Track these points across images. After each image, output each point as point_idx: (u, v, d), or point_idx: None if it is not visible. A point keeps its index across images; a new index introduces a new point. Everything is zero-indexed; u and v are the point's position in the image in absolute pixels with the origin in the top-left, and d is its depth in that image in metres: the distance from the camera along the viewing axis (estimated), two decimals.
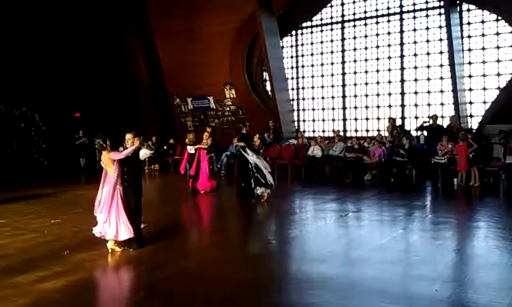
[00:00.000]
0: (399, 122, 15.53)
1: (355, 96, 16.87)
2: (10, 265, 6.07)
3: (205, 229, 8.23)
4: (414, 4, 15.59)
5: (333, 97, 17.34)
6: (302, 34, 17.93)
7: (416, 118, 15.71)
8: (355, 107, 16.91)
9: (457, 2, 14.61)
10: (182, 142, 18.50)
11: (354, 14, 16.67)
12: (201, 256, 6.43)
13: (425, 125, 14.15)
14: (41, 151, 19.37)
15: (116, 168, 6.55)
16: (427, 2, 15.35)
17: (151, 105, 19.62)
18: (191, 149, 12.22)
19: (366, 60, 16.54)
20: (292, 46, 18.12)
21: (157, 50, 19.25)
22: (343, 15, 16.88)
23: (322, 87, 17.55)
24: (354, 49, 16.76)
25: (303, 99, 18.14)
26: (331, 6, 17.01)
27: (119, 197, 6.55)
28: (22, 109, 19.12)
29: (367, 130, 16.64)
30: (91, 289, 5.23)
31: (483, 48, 14.52)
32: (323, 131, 17.49)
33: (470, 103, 14.82)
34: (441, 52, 15.18)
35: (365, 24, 16.52)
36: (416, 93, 15.74)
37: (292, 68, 18.15)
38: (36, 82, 19.30)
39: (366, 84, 16.61)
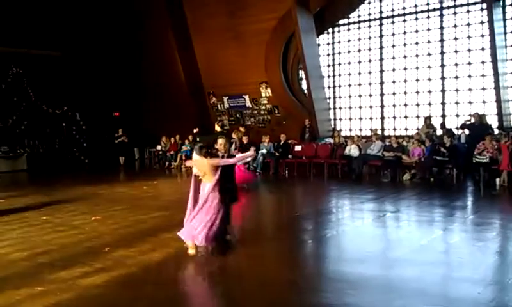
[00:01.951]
0: (438, 120, 15.20)
1: (394, 94, 16.60)
2: (53, 260, 6.25)
3: (240, 227, 8.24)
4: (454, 0, 15.21)
5: (370, 95, 17.11)
6: (339, 31, 17.76)
7: (457, 116, 15.33)
8: (393, 105, 16.63)
9: None
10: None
11: (392, 10, 16.40)
12: (238, 255, 6.44)
13: (467, 123, 13.79)
14: (82, 150, 19.87)
15: (216, 175, 6.35)
16: None
17: (187, 104, 19.83)
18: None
19: (405, 57, 16.25)
20: (328, 44, 17.98)
21: (194, 49, 19.44)
22: (381, 12, 16.62)
23: (360, 85, 17.34)
24: (393, 46, 16.49)
25: (340, 97, 17.97)
26: (369, 3, 16.79)
27: (214, 204, 6.32)
28: (63, 108, 19.67)
29: (406, 129, 16.34)
30: (132, 285, 5.32)
31: None
32: (360, 130, 17.29)
33: None
34: (482, 49, 14.76)
35: (404, 21, 16.22)
36: (457, 90, 15.36)
37: (328, 66, 18.01)
38: (77, 83, 19.85)
39: (405, 81, 16.30)
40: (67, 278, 5.52)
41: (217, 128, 15.32)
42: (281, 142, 16.20)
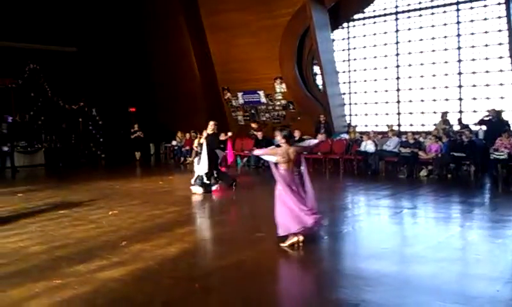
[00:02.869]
0: (455, 116, 15.03)
1: (410, 89, 16.44)
2: (70, 254, 6.32)
3: (254, 221, 8.26)
4: None
5: (386, 91, 16.97)
6: (354, 26, 17.64)
7: (475, 111, 15.14)
8: (410, 101, 16.49)
9: None
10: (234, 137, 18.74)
11: (408, 5, 16.23)
12: (253, 250, 6.45)
13: (485, 119, 13.62)
14: (98, 145, 20.04)
15: (303, 160, 6.56)
16: None
17: (202, 99, 19.88)
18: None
19: (421, 52, 16.08)
20: (343, 39, 17.86)
21: (208, 45, 19.47)
22: (397, 6, 16.46)
23: (375, 80, 17.21)
24: (409, 41, 16.32)
25: (355, 93, 17.86)
26: None
27: (292, 192, 6.45)
28: (80, 104, 19.84)
29: (423, 125, 16.19)
30: (148, 279, 5.36)
31: None
32: (376, 125, 17.16)
33: None
34: (500, 44, 14.55)
35: (420, 15, 16.05)
36: (474, 85, 15.17)
37: (343, 61, 17.90)
38: (93, 78, 20.01)
39: (421, 76, 16.15)
40: (84, 271, 5.59)
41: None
42: (296, 138, 16.14)
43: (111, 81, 20.53)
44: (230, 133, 12.69)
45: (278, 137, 6.70)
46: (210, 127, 11.63)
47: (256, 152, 6.89)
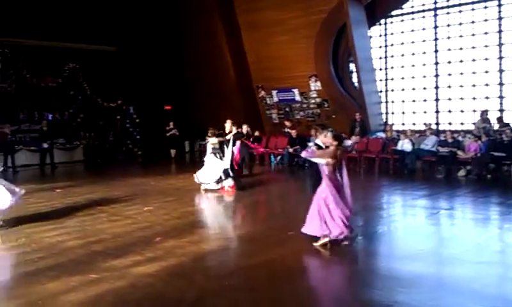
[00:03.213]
0: (495, 115, 14.57)
1: (449, 87, 16.04)
2: (106, 249, 6.45)
3: (285, 220, 8.22)
4: None
5: (424, 88, 16.61)
6: (391, 23, 17.33)
7: None
8: (449, 99, 16.08)
9: None
10: (268, 134, 18.72)
11: (447, 0, 15.82)
12: (284, 248, 6.42)
13: None
14: (135, 142, 20.37)
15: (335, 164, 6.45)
16: None
17: (237, 97, 19.94)
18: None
19: (461, 49, 15.65)
20: (380, 35, 17.58)
21: (243, 43, 19.50)
22: (436, 2, 16.08)
23: (413, 77, 16.86)
24: (448, 38, 15.92)
25: (392, 90, 17.54)
26: None
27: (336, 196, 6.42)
28: (117, 102, 20.22)
29: (462, 123, 15.78)
30: (181, 275, 5.41)
31: None
32: (413, 124, 16.82)
33: None
34: None
35: (460, 11, 15.62)
36: None
37: (380, 58, 17.62)
38: (130, 77, 20.36)
39: (461, 74, 15.73)
40: (120, 266, 5.69)
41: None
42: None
43: (148, 80, 20.84)
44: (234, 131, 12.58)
45: (322, 137, 6.58)
46: (230, 126, 11.99)
47: (304, 154, 6.75)
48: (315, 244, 6.29)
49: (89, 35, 19.22)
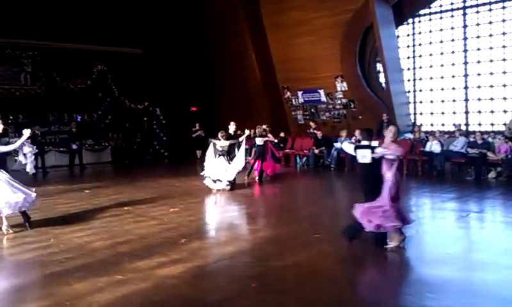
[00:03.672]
0: None
1: (479, 87, 15.68)
2: (132, 250, 6.51)
3: (312, 222, 8.15)
4: None
5: (453, 88, 16.28)
6: (419, 22, 17.04)
7: None
8: (478, 99, 15.73)
9: None
10: (294, 136, 18.67)
11: None
12: (311, 251, 6.36)
13: None
14: (161, 143, 20.56)
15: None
16: None
17: (262, 98, 19.92)
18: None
19: (491, 48, 15.28)
20: (408, 35, 17.31)
21: (269, 44, 19.48)
22: (465, 1, 15.73)
23: (442, 77, 16.56)
24: (478, 37, 15.57)
25: (420, 91, 17.25)
26: None
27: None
28: (144, 103, 20.44)
29: (492, 124, 15.41)
30: (206, 277, 5.42)
31: None
32: (442, 125, 16.51)
33: None
34: None
35: (490, 10, 15.25)
36: None
37: (408, 58, 17.35)
38: (157, 79, 20.57)
39: (491, 74, 15.36)
40: (145, 268, 5.73)
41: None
42: (357, 138, 15.83)
43: (174, 81, 21.02)
44: (247, 132, 12.69)
45: (389, 133, 6.50)
46: (234, 128, 12.48)
47: (381, 151, 6.61)
48: (387, 247, 6.22)
49: (117, 38, 19.48)
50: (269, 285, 5.16)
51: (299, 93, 19.10)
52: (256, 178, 13.19)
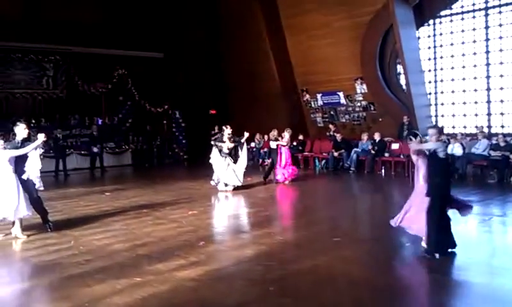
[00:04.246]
0: None
1: (501, 88, 15.41)
2: (151, 252, 6.54)
3: (331, 226, 8.10)
4: None
5: (475, 90, 16.02)
6: (440, 23, 16.83)
7: None
8: (501, 101, 15.46)
9: None
10: (313, 138, 18.62)
11: None
12: (329, 255, 6.31)
13: None
14: (181, 146, 20.69)
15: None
16: None
17: (281, 101, 19.89)
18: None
19: None
20: (429, 36, 17.10)
21: (287, 47, 19.45)
22: (487, 1, 15.48)
23: (464, 79, 16.32)
24: (500, 38, 15.30)
25: (442, 92, 17.03)
26: None
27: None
28: (164, 107, 20.60)
29: None
30: (224, 280, 5.41)
31: None
32: (464, 127, 16.26)
33: None
34: None
35: None
36: None
37: (429, 59, 17.14)
38: (177, 82, 20.73)
39: None
40: (164, 270, 5.75)
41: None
42: (377, 140, 15.71)
43: (193, 85, 21.14)
44: (246, 134, 12.85)
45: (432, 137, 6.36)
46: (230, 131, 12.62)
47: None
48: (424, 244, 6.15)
49: (137, 42, 19.69)
50: (287, 289, 5.13)
51: (318, 96, 19.02)
52: (275, 180, 13.28)
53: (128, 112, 20.26)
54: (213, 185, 12.23)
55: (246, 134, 12.60)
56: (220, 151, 12.12)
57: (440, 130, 6.42)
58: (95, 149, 17.75)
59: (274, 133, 13.87)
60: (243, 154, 12.30)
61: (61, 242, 7.17)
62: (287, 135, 13.58)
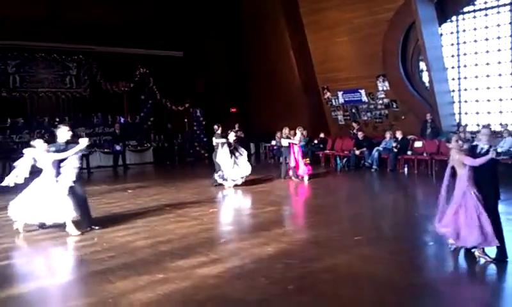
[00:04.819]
0: None
1: None
2: (173, 249, 6.60)
3: (352, 224, 8.04)
4: None
5: (500, 87, 15.74)
6: (463, 19, 16.57)
7: None
8: None
9: None
10: (334, 136, 18.52)
11: None
12: (350, 254, 6.27)
13: None
14: (202, 144, 20.79)
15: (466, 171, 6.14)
16: None
17: (301, 99, 19.83)
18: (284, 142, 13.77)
19: None
20: (452, 33, 16.85)
21: (308, 45, 19.37)
22: None
23: (488, 76, 16.03)
24: None
25: (465, 90, 16.76)
26: None
27: (471, 201, 6.04)
28: (185, 105, 20.72)
29: None
30: (244, 277, 5.42)
31: None
32: (488, 125, 15.97)
33: None
34: None
35: None
36: None
37: (452, 56, 16.88)
38: (197, 81, 20.83)
39: None
40: (185, 267, 5.80)
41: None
42: (399, 138, 15.53)
43: (214, 83, 21.22)
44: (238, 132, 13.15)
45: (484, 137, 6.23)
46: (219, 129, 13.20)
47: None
48: (477, 253, 5.92)
49: (158, 41, 19.83)
50: (307, 287, 5.11)
51: (339, 93, 18.91)
52: (293, 177, 13.43)
53: (150, 110, 20.44)
54: (217, 184, 12.24)
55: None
56: (228, 144, 12.34)
57: (492, 131, 6.14)
58: (118, 148, 17.95)
59: (285, 131, 13.86)
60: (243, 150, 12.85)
61: (85, 238, 7.28)
62: (298, 133, 13.55)
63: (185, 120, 20.97)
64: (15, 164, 7.65)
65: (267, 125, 20.94)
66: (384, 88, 17.38)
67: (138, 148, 19.53)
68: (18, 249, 7.08)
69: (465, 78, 16.66)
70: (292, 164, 13.36)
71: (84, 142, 7.59)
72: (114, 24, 18.94)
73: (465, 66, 16.62)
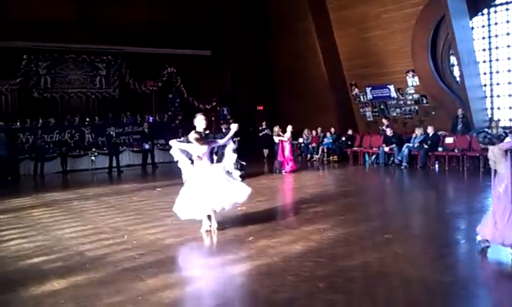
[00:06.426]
0: None
1: None
2: (202, 247, 6.63)
3: (382, 222, 7.92)
4: None
5: None
6: (495, 12, 16.15)
7: None
8: None
9: None
10: (362, 133, 18.33)
11: None
12: (380, 252, 6.18)
13: None
14: None
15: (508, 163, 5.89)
16: None
17: (329, 96, 19.69)
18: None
19: None
20: (483, 26, 16.45)
21: (336, 41, 19.21)
22: None
23: None
24: None
25: (498, 84, 16.35)
26: None
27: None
28: (212, 103, 20.82)
29: None
30: (273, 275, 5.39)
31: None
32: None
33: None
34: None
35: None
36: None
37: (483, 50, 16.49)
38: (224, 79, 20.91)
39: None
40: (214, 265, 5.81)
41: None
42: (430, 134, 15.24)
43: (241, 81, 21.26)
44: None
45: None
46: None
47: None
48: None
49: (186, 40, 19.99)
50: (337, 286, 5.05)
51: (368, 89, 18.70)
52: (283, 171, 14.64)
53: (178, 109, 20.60)
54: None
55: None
56: None
57: None
58: (147, 146, 18.13)
59: (276, 129, 15.27)
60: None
61: (115, 236, 7.36)
62: (288, 131, 14.91)
63: (213, 119, 21.04)
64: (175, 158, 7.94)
65: (294, 122, 20.85)
66: (414, 83, 17.11)
67: (167, 146, 19.66)
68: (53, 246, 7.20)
69: (497, 72, 16.27)
70: (280, 158, 14.72)
71: (234, 127, 7.89)
72: (143, 25, 19.19)
73: (497, 59, 16.23)
